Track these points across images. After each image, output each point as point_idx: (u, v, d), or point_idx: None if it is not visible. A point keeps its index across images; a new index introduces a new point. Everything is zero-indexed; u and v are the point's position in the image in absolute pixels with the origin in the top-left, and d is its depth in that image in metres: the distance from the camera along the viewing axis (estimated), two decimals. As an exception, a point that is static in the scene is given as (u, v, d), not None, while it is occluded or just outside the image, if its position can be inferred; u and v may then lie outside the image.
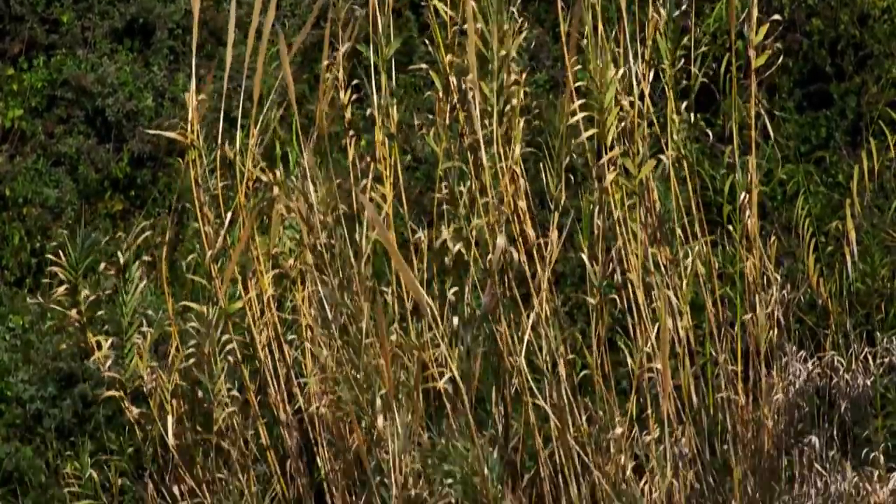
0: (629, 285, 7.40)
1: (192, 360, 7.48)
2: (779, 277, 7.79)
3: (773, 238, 7.91)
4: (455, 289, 7.39)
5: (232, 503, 7.59)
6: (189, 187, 7.46)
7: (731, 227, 7.49)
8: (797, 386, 7.54)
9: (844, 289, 8.02)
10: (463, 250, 7.25)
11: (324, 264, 7.10)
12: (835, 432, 7.75)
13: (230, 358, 7.54)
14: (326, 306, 7.17)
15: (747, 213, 7.54)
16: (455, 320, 7.11)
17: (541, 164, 7.48)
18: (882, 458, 7.76)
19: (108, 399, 7.94)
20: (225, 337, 7.47)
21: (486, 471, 6.76)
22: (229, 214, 7.31)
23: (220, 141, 7.50)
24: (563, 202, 7.39)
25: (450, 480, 6.85)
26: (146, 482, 7.92)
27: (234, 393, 7.57)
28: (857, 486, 7.36)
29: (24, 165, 10.56)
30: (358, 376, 7.05)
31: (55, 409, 8.77)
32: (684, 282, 7.42)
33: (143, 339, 7.45)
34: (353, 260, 7.03)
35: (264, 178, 7.52)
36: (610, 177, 7.34)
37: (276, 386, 7.74)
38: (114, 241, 9.26)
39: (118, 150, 10.97)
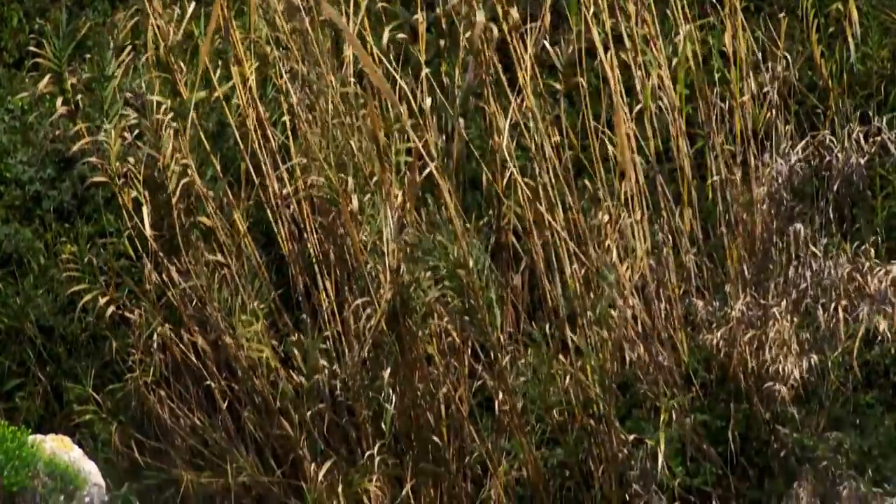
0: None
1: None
2: (779, 55, 7.67)
3: (782, 16, 7.78)
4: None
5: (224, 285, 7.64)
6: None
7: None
8: (791, 163, 7.45)
9: (845, 70, 7.86)
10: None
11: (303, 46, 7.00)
12: (830, 213, 7.69)
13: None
14: (308, 89, 7.09)
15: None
16: (428, 100, 7.02)
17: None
18: (880, 239, 7.73)
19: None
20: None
21: (471, 263, 6.73)
22: (191, 6, 7.24)
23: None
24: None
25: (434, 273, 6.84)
26: (144, 264, 7.98)
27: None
28: (851, 274, 7.31)
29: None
30: (345, 157, 7.00)
31: (54, 190, 8.75)
32: (675, 60, 7.32)
33: (116, 125, 7.41)
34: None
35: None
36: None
37: (266, 164, 7.73)
38: (112, 23, 9.13)
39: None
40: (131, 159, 7.66)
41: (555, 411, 7.60)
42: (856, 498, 7.23)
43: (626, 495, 7.55)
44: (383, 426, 7.44)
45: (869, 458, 7.48)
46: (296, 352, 7.63)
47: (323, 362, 7.54)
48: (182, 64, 7.46)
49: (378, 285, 7.40)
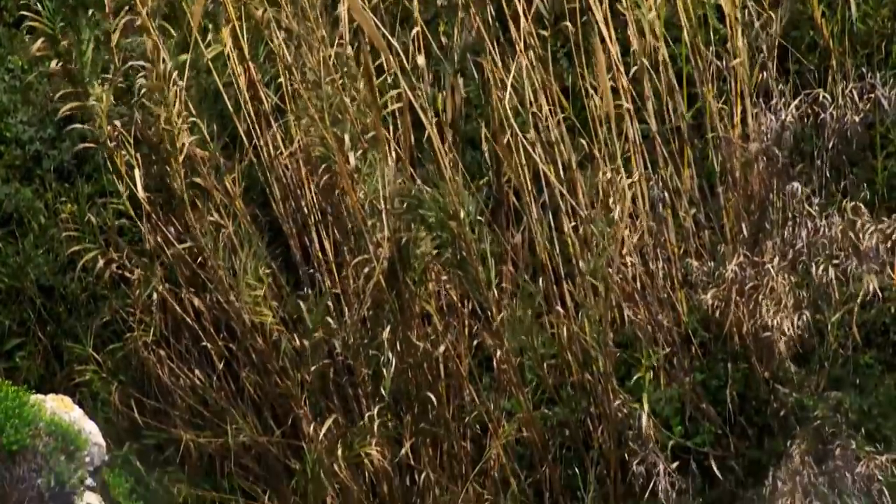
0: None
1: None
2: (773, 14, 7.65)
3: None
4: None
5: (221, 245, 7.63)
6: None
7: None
8: (783, 118, 7.43)
9: (846, 30, 7.81)
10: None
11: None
12: (827, 172, 7.66)
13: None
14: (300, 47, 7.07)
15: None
16: (420, 58, 7.01)
17: None
18: (879, 199, 7.70)
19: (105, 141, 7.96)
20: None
21: (462, 214, 6.71)
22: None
23: None
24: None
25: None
26: (144, 224, 7.99)
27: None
28: (845, 232, 7.29)
29: None
30: (338, 114, 6.98)
31: (54, 150, 8.74)
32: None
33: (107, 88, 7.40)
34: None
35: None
36: None
37: (258, 126, 7.72)
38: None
39: None
40: (118, 122, 7.65)
41: (550, 367, 7.63)
42: (849, 456, 7.24)
43: (625, 455, 7.56)
44: (382, 390, 7.46)
45: (868, 418, 7.48)
46: (297, 312, 7.64)
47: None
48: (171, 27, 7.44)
49: (377, 244, 7.40)
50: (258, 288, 7.49)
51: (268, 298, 7.60)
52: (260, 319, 7.65)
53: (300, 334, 7.69)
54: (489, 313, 7.52)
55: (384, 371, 7.34)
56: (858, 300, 7.26)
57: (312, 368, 7.65)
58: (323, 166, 7.46)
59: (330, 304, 7.63)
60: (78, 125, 8.10)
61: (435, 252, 7.17)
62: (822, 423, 7.42)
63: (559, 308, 7.55)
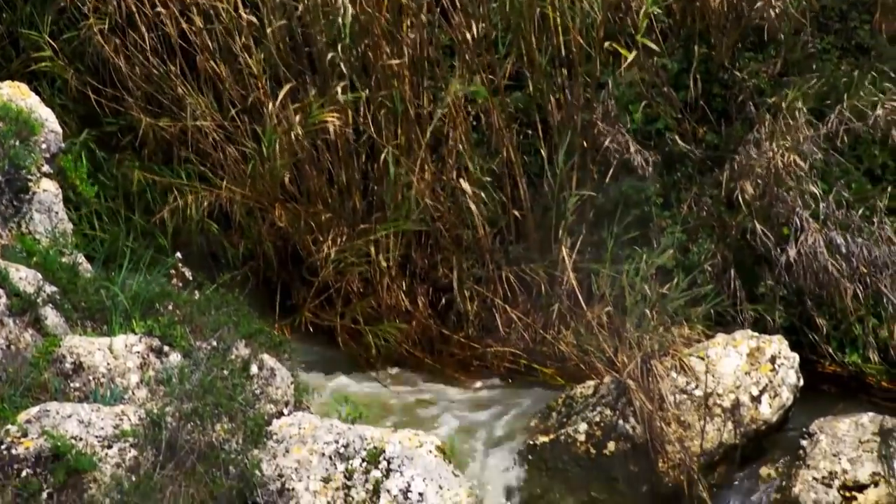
0: None
1: None
2: None
3: None
4: None
5: None
6: None
7: None
8: None
9: None
10: None
11: None
12: None
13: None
14: None
15: None
16: None
17: None
18: None
19: None
20: None
21: None
22: None
23: None
24: None
25: None
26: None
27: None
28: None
29: None
30: None
31: None
32: None
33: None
34: None
35: None
36: None
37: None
38: None
39: None
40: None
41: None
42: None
43: (584, 141, 7.59)
44: (339, 53, 7.40)
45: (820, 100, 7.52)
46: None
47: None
48: None
49: None
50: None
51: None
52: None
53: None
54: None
55: (343, 26, 7.25)
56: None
57: (270, 30, 7.60)
58: None
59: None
60: None
61: None
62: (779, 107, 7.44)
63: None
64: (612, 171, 7.51)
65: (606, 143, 7.47)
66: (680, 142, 7.68)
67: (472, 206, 7.58)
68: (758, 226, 7.32)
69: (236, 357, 5.74)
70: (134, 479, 5.13)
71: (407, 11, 7.59)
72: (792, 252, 7.23)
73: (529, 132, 7.82)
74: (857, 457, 6.44)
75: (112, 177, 7.89)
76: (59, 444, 5.19)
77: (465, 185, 7.59)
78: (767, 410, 6.60)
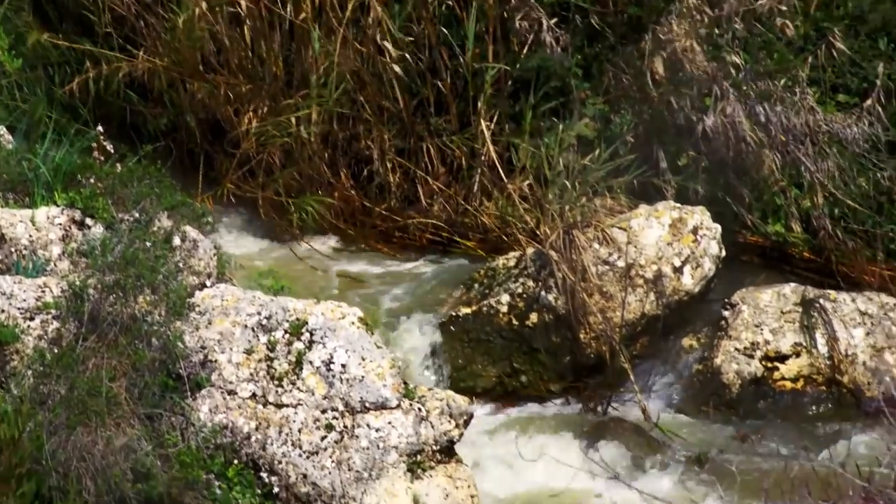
0: None
1: None
2: None
3: None
4: None
5: None
6: None
7: None
8: None
9: None
10: None
11: None
12: None
13: None
14: None
15: None
16: None
17: None
18: None
19: None
20: None
21: None
22: None
23: None
24: None
25: None
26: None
27: None
28: None
29: None
30: None
31: None
32: None
33: None
34: None
35: None
36: None
37: None
38: None
39: None
40: None
41: None
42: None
43: (504, 13, 7.53)
44: None
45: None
46: None
47: None
48: None
49: None
50: None
51: None
52: None
53: None
54: None
55: None
56: None
57: None
58: None
59: None
60: None
61: None
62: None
63: None
64: (528, 44, 7.48)
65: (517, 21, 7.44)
66: (595, 18, 7.65)
67: (396, 68, 7.52)
68: (672, 99, 7.31)
69: (159, 229, 5.69)
70: (56, 350, 5.10)
71: None
72: (709, 121, 7.23)
73: (450, 2, 7.75)
74: (778, 327, 6.53)
75: (31, 47, 7.73)
76: (-21, 315, 5.15)
77: (388, 46, 7.53)
78: (689, 281, 6.66)
